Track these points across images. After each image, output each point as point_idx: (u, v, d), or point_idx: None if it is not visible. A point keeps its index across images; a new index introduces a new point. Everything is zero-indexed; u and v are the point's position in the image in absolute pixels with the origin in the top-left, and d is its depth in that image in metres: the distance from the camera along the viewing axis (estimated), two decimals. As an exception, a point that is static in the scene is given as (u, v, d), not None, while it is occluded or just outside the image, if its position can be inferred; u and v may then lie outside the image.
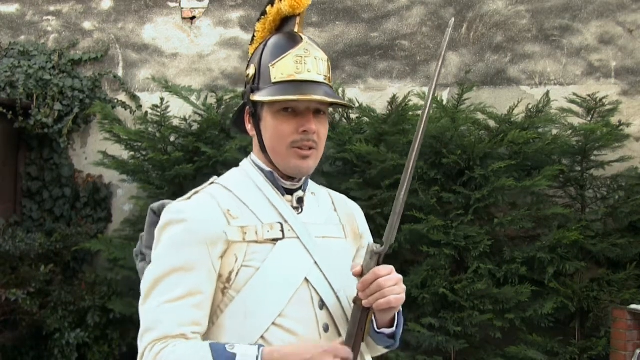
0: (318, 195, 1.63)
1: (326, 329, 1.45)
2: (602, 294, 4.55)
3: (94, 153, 5.51)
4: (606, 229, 4.77)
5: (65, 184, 5.61)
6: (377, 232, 1.75)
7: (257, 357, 1.32)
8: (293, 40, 1.50)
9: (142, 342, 1.38)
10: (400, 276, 1.42)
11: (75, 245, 5.10)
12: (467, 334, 4.46)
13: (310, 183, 1.64)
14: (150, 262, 1.55)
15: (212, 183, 1.56)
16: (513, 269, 4.47)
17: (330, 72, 1.54)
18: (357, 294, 1.41)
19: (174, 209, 1.48)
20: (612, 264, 4.72)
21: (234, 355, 1.32)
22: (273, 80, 1.47)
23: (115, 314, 4.89)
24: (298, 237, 1.48)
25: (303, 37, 1.52)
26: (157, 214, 1.61)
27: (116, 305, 4.82)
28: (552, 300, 4.44)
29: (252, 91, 1.51)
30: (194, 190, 1.54)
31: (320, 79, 1.48)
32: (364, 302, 1.40)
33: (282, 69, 1.47)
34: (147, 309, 1.40)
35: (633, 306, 4.34)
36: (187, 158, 4.85)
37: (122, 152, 5.17)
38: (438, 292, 4.40)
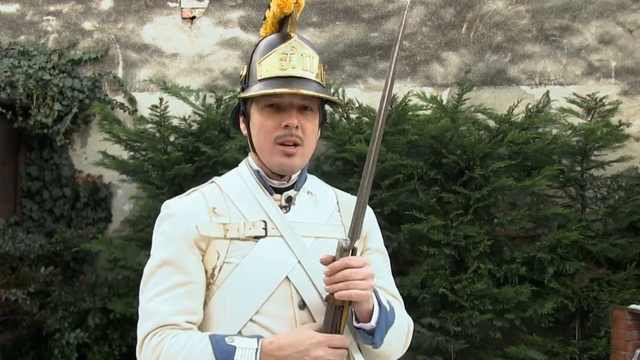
0: (318, 194, 1.62)
1: None
2: (602, 294, 4.54)
3: (93, 153, 5.51)
4: (606, 229, 4.76)
5: (65, 184, 5.61)
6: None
7: (257, 350, 1.34)
8: (282, 39, 1.53)
9: (139, 334, 1.43)
10: (372, 273, 1.41)
11: (75, 245, 5.10)
12: (467, 334, 4.46)
13: (312, 182, 1.64)
14: None
15: (212, 182, 1.60)
16: (513, 269, 4.46)
17: (321, 69, 1.54)
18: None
19: (165, 205, 1.55)
20: (612, 264, 4.72)
21: (234, 347, 1.34)
22: (259, 78, 1.50)
23: (115, 314, 4.89)
24: (282, 236, 1.49)
25: (293, 35, 1.53)
26: None
27: (116, 305, 4.82)
28: (552, 300, 4.43)
29: (243, 90, 1.55)
30: (193, 188, 1.59)
31: (306, 74, 1.49)
32: (326, 287, 1.39)
33: (268, 66, 1.50)
34: (142, 301, 1.46)
35: (633, 306, 4.34)
36: (187, 158, 4.85)
37: (122, 152, 5.17)
38: (438, 292, 4.40)
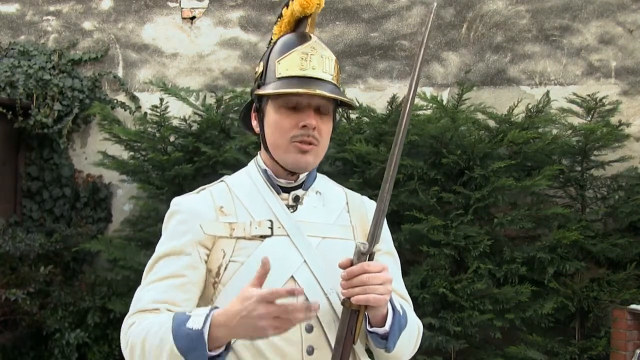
0: (327, 194, 1.62)
1: (309, 330, 1.44)
2: (602, 294, 4.54)
3: (93, 153, 5.51)
4: (606, 229, 4.76)
5: (65, 184, 5.61)
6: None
7: (207, 316, 1.30)
8: (301, 39, 1.52)
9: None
10: (390, 278, 1.39)
11: (75, 245, 5.10)
12: (467, 334, 4.46)
13: (322, 182, 1.64)
14: None
15: (221, 181, 1.60)
16: (513, 269, 4.46)
17: (337, 72, 1.54)
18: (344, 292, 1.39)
19: (173, 202, 1.56)
20: (612, 264, 4.72)
21: (189, 316, 1.32)
22: (278, 76, 1.49)
23: (115, 314, 4.89)
24: (288, 235, 1.48)
25: (312, 36, 1.53)
26: None
27: (116, 305, 4.82)
28: (552, 300, 4.43)
29: (259, 87, 1.53)
30: (203, 186, 1.59)
31: (326, 76, 1.49)
32: (343, 291, 1.38)
33: (288, 64, 1.49)
34: (137, 291, 1.47)
35: (633, 306, 4.34)
36: (187, 158, 4.85)
37: (122, 152, 5.17)
38: (438, 292, 4.40)
